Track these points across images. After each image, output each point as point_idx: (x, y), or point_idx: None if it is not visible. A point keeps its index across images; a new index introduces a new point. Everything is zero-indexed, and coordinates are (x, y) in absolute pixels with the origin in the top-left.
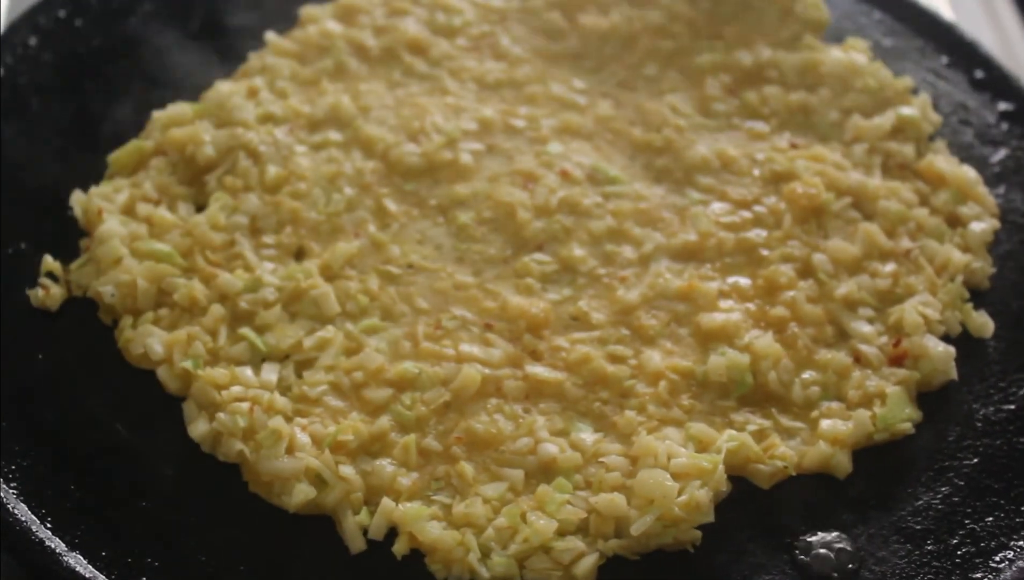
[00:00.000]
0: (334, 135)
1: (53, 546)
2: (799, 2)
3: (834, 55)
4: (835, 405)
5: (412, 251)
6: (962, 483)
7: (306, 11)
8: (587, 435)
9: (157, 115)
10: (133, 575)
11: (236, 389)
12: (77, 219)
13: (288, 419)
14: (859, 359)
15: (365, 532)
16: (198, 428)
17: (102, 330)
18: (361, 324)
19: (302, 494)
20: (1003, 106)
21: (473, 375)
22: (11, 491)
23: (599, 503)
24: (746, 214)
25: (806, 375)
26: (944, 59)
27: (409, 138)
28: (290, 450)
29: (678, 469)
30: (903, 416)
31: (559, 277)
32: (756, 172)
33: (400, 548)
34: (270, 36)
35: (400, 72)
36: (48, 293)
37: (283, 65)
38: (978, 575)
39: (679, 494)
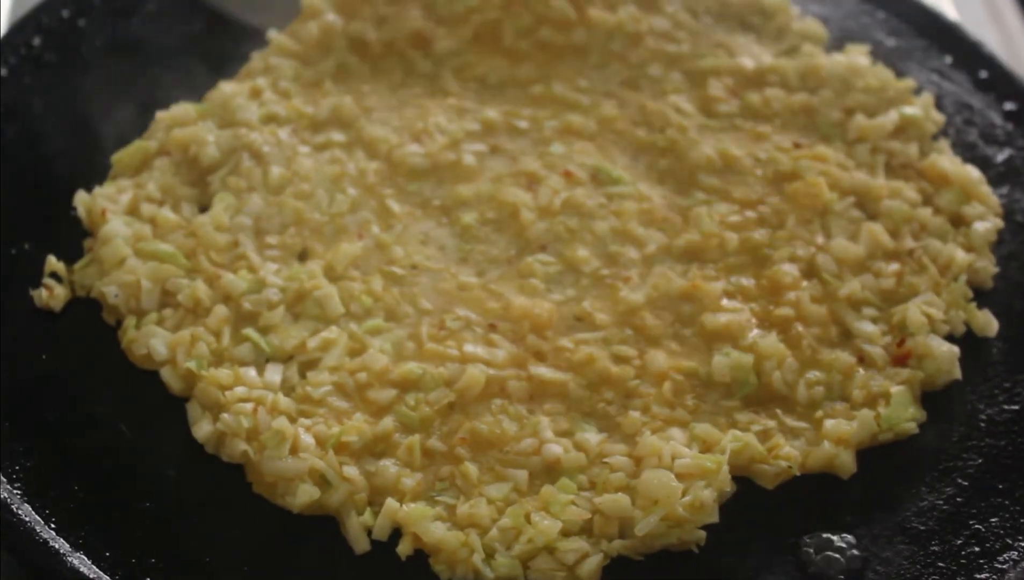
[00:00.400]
0: (337, 136)
1: (57, 547)
2: (797, 20)
3: (835, 59)
4: (839, 405)
5: (416, 252)
6: (966, 483)
7: (308, 1)
8: (591, 435)
9: (161, 115)
10: (137, 576)
11: (240, 390)
12: (81, 219)
13: (292, 420)
14: (863, 359)
15: (369, 533)
16: (202, 429)
17: (106, 331)
18: (365, 325)
19: (306, 495)
20: (1008, 106)
21: (477, 376)
22: (15, 492)
23: (603, 503)
24: (750, 214)
25: (810, 375)
26: (948, 59)
27: (412, 139)
28: (294, 451)
29: (682, 469)
30: (907, 416)
31: (563, 278)
32: (759, 172)
33: (404, 549)
34: (272, 34)
35: (402, 72)
36: (52, 293)
37: (286, 66)
38: (983, 576)
39: (683, 494)
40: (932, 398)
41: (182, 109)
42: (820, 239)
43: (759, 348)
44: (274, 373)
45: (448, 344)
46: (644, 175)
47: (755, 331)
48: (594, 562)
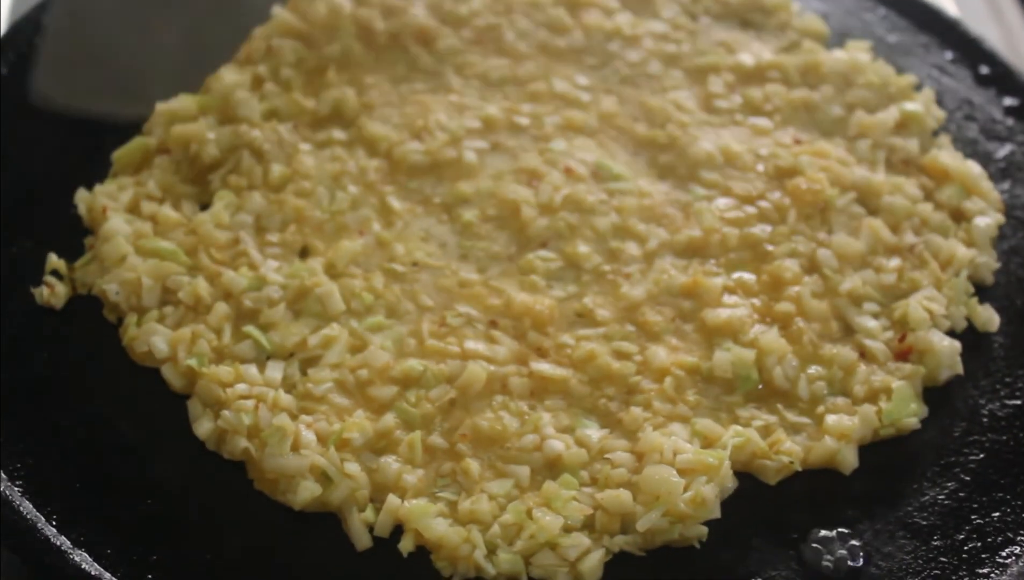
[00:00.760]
0: (338, 133)
1: (59, 544)
2: (797, 17)
3: (835, 55)
4: (841, 400)
5: (416, 249)
6: (968, 478)
7: None
8: (593, 432)
9: (160, 107)
10: (138, 573)
11: (241, 387)
12: (82, 217)
13: (293, 417)
14: (864, 354)
15: (371, 529)
16: (203, 426)
17: (107, 328)
18: (366, 322)
19: (308, 491)
20: (1008, 101)
21: (478, 372)
22: (16, 489)
23: (605, 499)
24: (750, 210)
25: (811, 370)
26: (949, 55)
27: (413, 136)
28: (295, 448)
29: (684, 465)
30: (909, 411)
31: (564, 274)
32: (760, 168)
33: (406, 545)
34: (277, 10)
35: (405, 66)
36: (53, 291)
37: (288, 49)
38: (984, 570)
39: (685, 490)
40: (933, 393)
41: (181, 101)
42: (821, 235)
43: (760, 343)
44: (275, 370)
45: (449, 341)
46: (645, 171)
47: (756, 327)
48: (596, 558)
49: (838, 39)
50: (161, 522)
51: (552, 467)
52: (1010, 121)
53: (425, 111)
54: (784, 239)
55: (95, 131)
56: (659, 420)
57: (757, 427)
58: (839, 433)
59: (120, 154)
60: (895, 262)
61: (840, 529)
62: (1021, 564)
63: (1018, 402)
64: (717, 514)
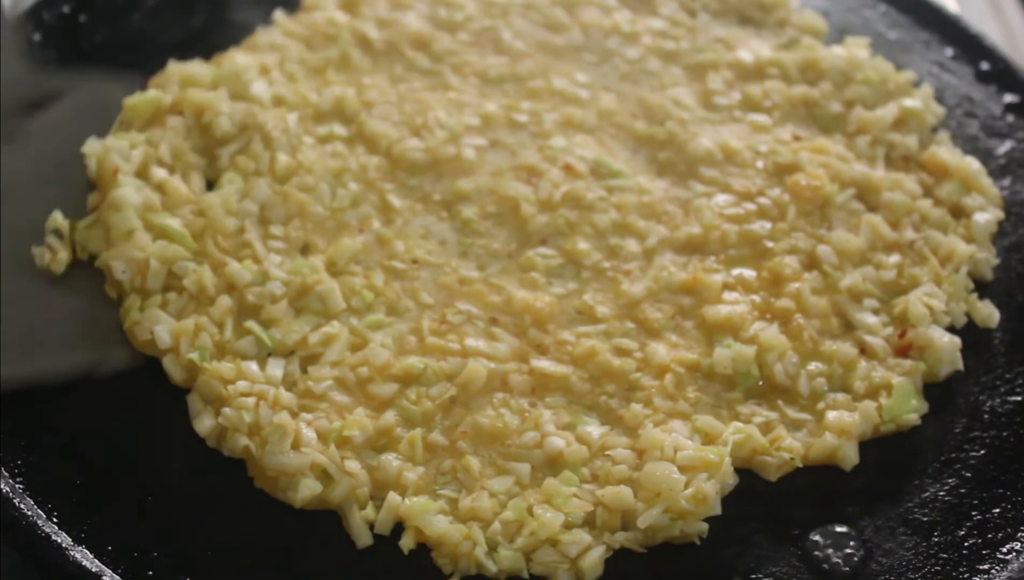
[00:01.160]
0: (339, 129)
1: (59, 540)
2: (796, 13)
3: (834, 51)
4: (841, 397)
5: (416, 246)
6: (969, 475)
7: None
8: (593, 428)
9: (174, 66)
10: (139, 569)
11: (242, 384)
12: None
13: (294, 414)
14: (865, 350)
15: (371, 527)
16: (203, 423)
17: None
18: (366, 319)
19: (308, 489)
20: (1009, 98)
21: (479, 369)
22: (17, 485)
23: (606, 496)
24: (750, 206)
25: (812, 367)
26: (949, 51)
27: (412, 134)
28: (296, 445)
29: (684, 462)
30: (909, 407)
31: (564, 271)
32: (759, 164)
33: (407, 542)
34: (278, 15)
35: (402, 67)
36: (55, 257)
37: (292, 47)
38: (985, 566)
39: (686, 487)
40: (934, 389)
41: (196, 66)
42: (821, 231)
43: (761, 340)
44: (276, 367)
45: (449, 338)
46: (644, 168)
47: (756, 323)
48: (596, 554)
49: (838, 36)
50: (161, 519)
51: (553, 464)
52: (1010, 118)
53: (424, 108)
54: (784, 236)
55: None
56: (660, 417)
57: (758, 423)
58: (839, 429)
59: (132, 103)
60: (895, 258)
61: (841, 525)
62: (1022, 560)
63: (1018, 398)
64: (718, 511)
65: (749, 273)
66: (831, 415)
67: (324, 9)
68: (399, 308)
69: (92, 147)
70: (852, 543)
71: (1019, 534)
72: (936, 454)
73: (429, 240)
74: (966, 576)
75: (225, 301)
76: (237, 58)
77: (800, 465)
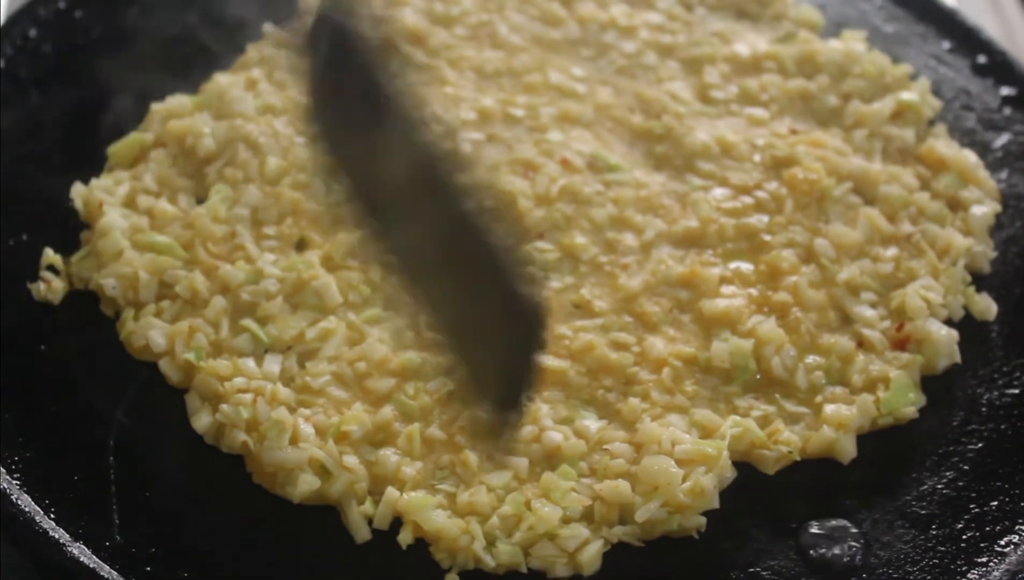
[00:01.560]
0: None
1: (57, 536)
2: (792, 7)
3: (831, 45)
4: (839, 390)
5: None
6: (967, 468)
7: (305, 2)
8: (591, 423)
9: (156, 107)
10: (137, 565)
11: (239, 380)
12: (77, 211)
13: (291, 410)
14: (862, 344)
15: (370, 522)
16: (201, 420)
17: (104, 322)
18: (363, 314)
19: (306, 484)
20: (1006, 91)
21: None
22: (14, 482)
23: (604, 490)
24: (747, 200)
25: (809, 360)
26: (946, 44)
27: None
28: (294, 441)
29: (682, 456)
30: (907, 401)
31: (561, 265)
32: (757, 158)
33: (405, 537)
34: (268, 28)
35: (398, 63)
36: (50, 286)
37: (282, 56)
38: (983, 559)
39: (683, 481)
40: (932, 382)
41: (178, 101)
42: (818, 224)
43: (758, 333)
44: (273, 363)
45: None
46: (641, 162)
47: (754, 317)
48: (594, 548)
49: (835, 29)
50: (160, 515)
51: (551, 458)
52: (1007, 110)
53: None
54: (781, 229)
55: (92, 125)
56: (657, 411)
57: (755, 417)
58: (837, 423)
59: (115, 149)
60: (892, 251)
61: (839, 519)
62: (1020, 553)
63: (1016, 391)
64: (716, 504)
65: (746, 266)
66: (829, 408)
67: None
68: (397, 302)
69: (78, 189)
70: (850, 536)
71: (1017, 527)
72: (934, 447)
73: None
74: (964, 569)
75: (219, 302)
76: (221, 80)
77: (798, 458)
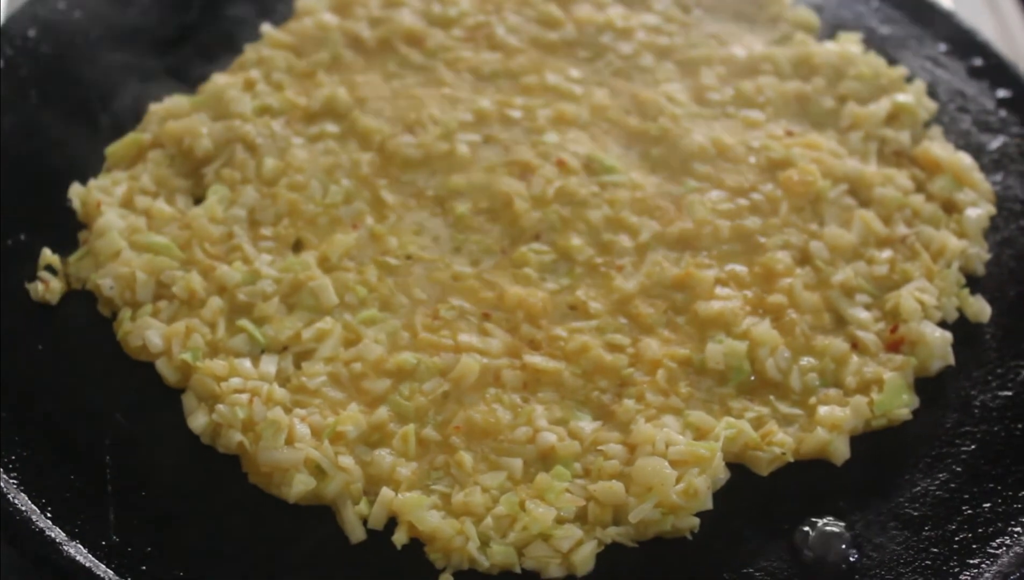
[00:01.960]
0: (331, 127)
1: (53, 535)
2: (789, 9)
3: (827, 47)
4: (833, 392)
5: (410, 242)
6: (960, 469)
7: (302, 3)
8: (585, 424)
9: (154, 108)
10: (133, 565)
11: (235, 381)
12: (75, 212)
13: (287, 410)
14: (856, 345)
15: (365, 522)
16: (197, 420)
17: (101, 322)
18: (359, 315)
19: (302, 485)
20: (1001, 93)
21: (471, 365)
22: (11, 481)
23: (598, 491)
24: (742, 202)
25: (803, 362)
26: (942, 47)
27: (406, 129)
28: (289, 441)
29: (676, 457)
30: (901, 402)
31: (557, 267)
32: (752, 160)
33: (400, 538)
34: (266, 28)
35: (396, 63)
36: (48, 287)
37: (279, 57)
38: (975, 560)
39: (677, 482)
40: (925, 384)
41: (176, 101)
42: (813, 226)
43: (753, 335)
44: (269, 364)
45: (442, 334)
46: (637, 164)
47: (748, 318)
48: (588, 549)
49: (831, 31)
50: (155, 514)
51: (545, 459)
52: (1003, 113)
53: (417, 104)
54: (776, 231)
55: (90, 124)
56: (651, 412)
57: (749, 418)
58: (831, 424)
59: (113, 149)
60: (887, 253)
61: (832, 520)
62: (1012, 554)
63: (1009, 393)
64: (709, 505)
65: (741, 268)
66: (822, 410)
67: (314, 14)
68: (392, 304)
69: (75, 190)
70: (843, 537)
71: (1009, 528)
72: (927, 449)
73: (422, 236)
74: (956, 570)
75: (216, 302)
76: (219, 80)
77: (791, 460)
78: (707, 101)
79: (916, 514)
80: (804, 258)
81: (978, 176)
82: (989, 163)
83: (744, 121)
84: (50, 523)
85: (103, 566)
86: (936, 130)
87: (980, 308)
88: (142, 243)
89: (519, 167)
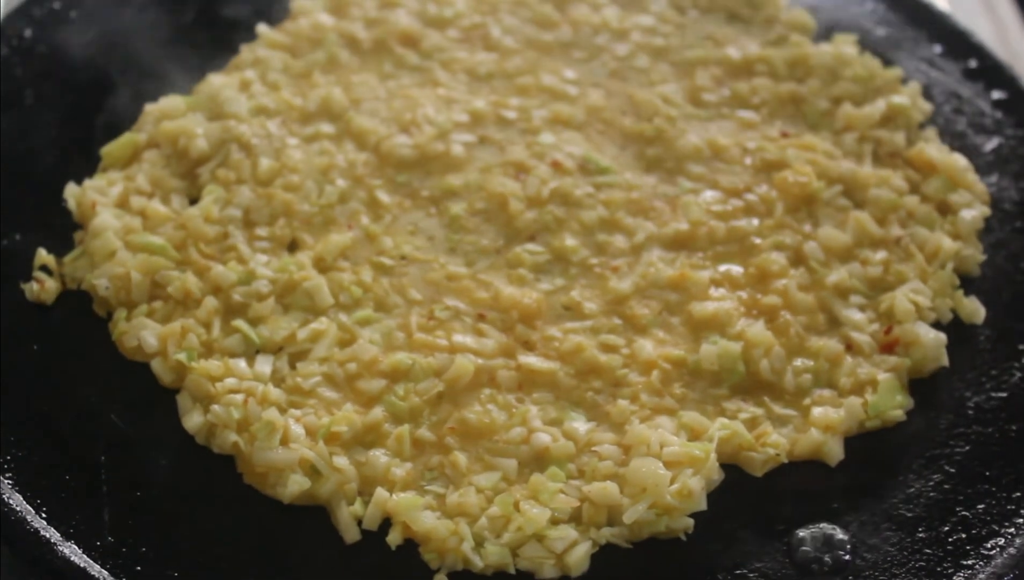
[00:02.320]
0: (326, 127)
1: (48, 536)
2: (784, 11)
3: (822, 48)
4: (827, 393)
5: (405, 242)
6: (953, 470)
7: (298, 3)
8: (580, 424)
9: (149, 108)
10: (128, 565)
11: (230, 381)
12: (71, 211)
13: (282, 411)
14: (851, 347)
15: (359, 522)
16: (192, 420)
17: (97, 322)
18: (354, 315)
19: (296, 485)
20: (996, 95)
21: (466, 365)
22: (6, 481)
23: (592, 492)
24: (737, 203)
25: (798, 363)
26: (937, 48)
27: (401, 130)
28: (284, 441)
29: (670, 458)
30: (895, 403)
31: (551, 267)
32: (747, 161)
33: (394, 538)
34: (262, 28)
35: (391, 64)
36: (43, 287)
37: (275, 58)
38: (969, 562)
39: (671, 482)
40: (919, 385)
41: (171, 101)
42: (807, 227)
43: (747, 336)
44: (264, 364)
45: (437, 334)
46: (632, 164)
47: (743, 319)
48: (582, 550)
49: (826, 33)
50: (151, 515)
51: (539, 460)
52: (998, 114)
53: (413, 105)
54: (771, 232)
55: (86, 124)
56: (646, 413)
57: (743, 419)
58: (825, 425)
59: (109, 149)
60: (881, 255)
61: (826, 521)
62: (1006, 555)
63: (1004, 394)
64: (703, 506)
65: (736, 269)
66: (817, 411)
67: (310, 14)
68: (387, 304)
69: (71, 190)
70: (837, 539)
71: (1003, 529)
72: (921, 450)
73: (417, 236)
74: (950, 571)
75: (211, 302)
76: (214, 80)
77: (785, 461)
78: (702, 102)
79: (910, 515)
80: (798, 259)
81: (973, 177)
82: (984, 164)
83: (739, 122)
84: (45, 523)
85: (98, 566)
86: (931, 132)
87: (974, 309)
88: (137, 243)
89: (514, 168)
